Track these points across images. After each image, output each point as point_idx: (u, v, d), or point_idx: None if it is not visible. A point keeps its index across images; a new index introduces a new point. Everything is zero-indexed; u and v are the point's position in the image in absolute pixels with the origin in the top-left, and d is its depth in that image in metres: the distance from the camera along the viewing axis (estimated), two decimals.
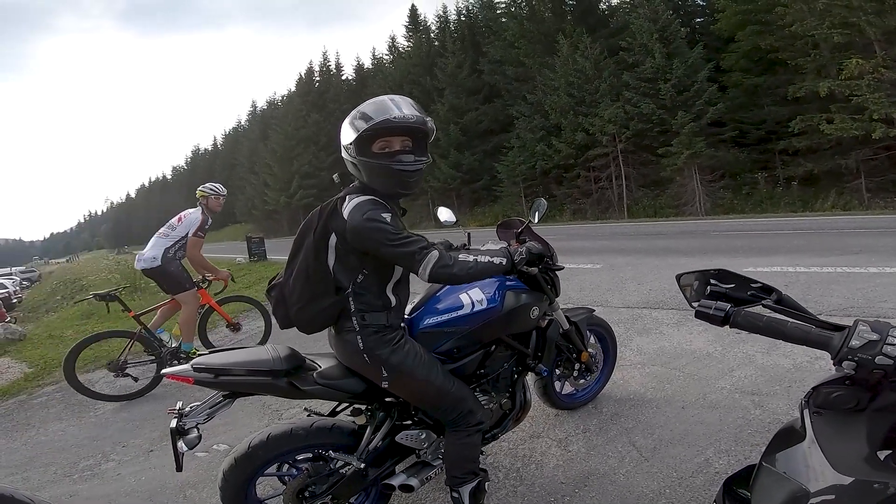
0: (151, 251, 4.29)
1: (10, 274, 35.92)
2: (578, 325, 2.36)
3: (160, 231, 4.46)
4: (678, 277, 1.08)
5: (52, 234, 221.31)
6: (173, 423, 1.51)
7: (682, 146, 16.10)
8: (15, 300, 19.89)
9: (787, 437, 0.82)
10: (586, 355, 2.39)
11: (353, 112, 1.58)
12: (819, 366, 2.74)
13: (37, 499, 1.67)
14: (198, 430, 1.54)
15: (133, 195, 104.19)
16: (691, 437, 2.30)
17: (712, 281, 0.99)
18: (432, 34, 30.34)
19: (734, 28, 17.00)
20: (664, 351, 3.35)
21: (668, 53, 16.86)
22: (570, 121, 19.18)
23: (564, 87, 19.36)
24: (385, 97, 1.59)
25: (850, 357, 0.74)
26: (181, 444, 1.50)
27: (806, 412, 0.80)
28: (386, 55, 35.08)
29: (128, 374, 4.09)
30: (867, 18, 12.84)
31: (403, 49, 32.34)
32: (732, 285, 0.97)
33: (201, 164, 67.09)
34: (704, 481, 1.99)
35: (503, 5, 26.40)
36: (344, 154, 1.62)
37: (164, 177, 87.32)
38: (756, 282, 0.96)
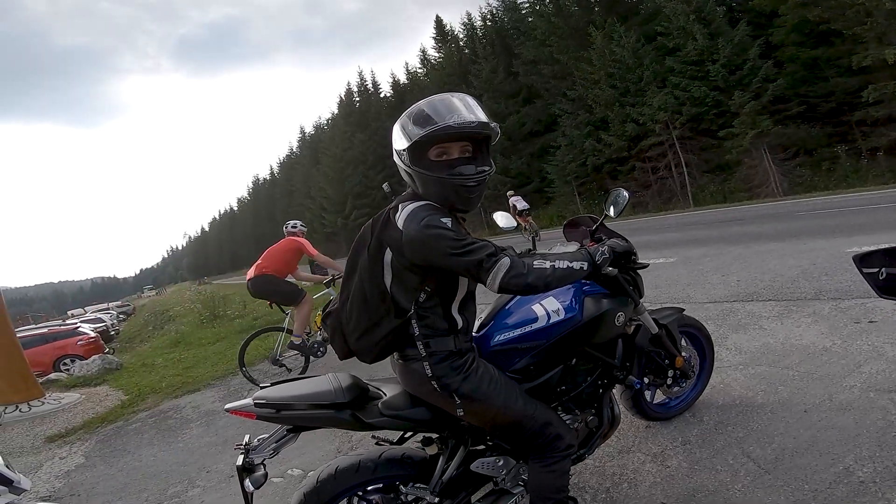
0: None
1: (108, 308, 39.65)
2: (669, 328, 2.08)
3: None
4: (857, 259, 0.90)
5: (141, 270, 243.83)
6: (239, 461, 1.41)
7: (746, 126, 15.33)
8: (113, 332, 21.82)
9: None
10: (681, 360, 2.10)
11: (407, 112, 1.39)
12: None
13: None
14: (264, 467, 1.44)
15: (207, 228, 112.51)
16: (822, 444, 1.95)
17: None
18: (461, 42, 30.55)
19: (774, 2, 15.91)
20: (769, 348, 2.94)
21: (711, 34, 16.20)
22: (617, 112, 18.75)
23: (605, 78, 19.03)
24: (445, 96, 1.39)
25: None
26: (248, 484, 1.40)
27: None
28: (419, 69, 35.63)
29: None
30: None
31: (435, 60, 32.73)
32: None
33: (262, 194, 71.18)
34: (847, 492, 1.67)
35: (527, 5, 26.17)
36: (396, 159, 1.43)
37: (231, 209, 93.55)
38: None
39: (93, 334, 13.23)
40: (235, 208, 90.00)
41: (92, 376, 7.29)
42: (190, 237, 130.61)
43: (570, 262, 1.39)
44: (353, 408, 1.47)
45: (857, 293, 3.40)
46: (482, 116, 1.35)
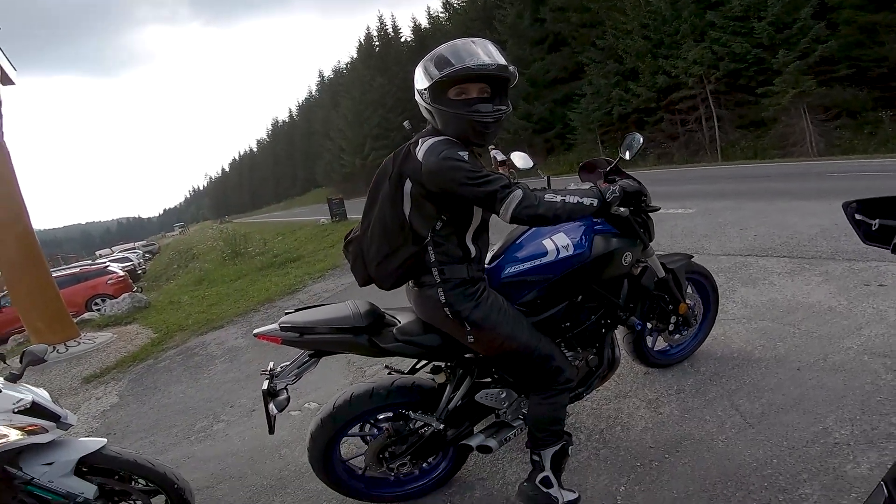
0: None
1: (134, 248, 40.91)
2: (676, 273, 2.12)
3: None
4: (846, 206, 0.94)
5: (164, 210, 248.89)
6: (265, 385, 1.56)
7: (787, 85, 14.67)
8: (140, 271, 22.55)
9: None
10: (684, 307, 2.16)
11: (429, 55, 1.43)
12: None
13: (157, 463, 1.87)
14: (287, 391, 1.59)
15: (227, 169, 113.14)
16: (808, 402, 2.02)
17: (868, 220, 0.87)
18: None
19: None
20: (775, 304, 2.97)
21: None
22: (649, 64, 18.14)
23: (638, 29, 18.26)
24: (466, 41, 1.43)
25: None
26: (272, 407, 1.55)
27: None
28: (441, 13, 34.10)
29: None
30: None
31: (458, 4, 31.25)
32: None
33: (281, 136, 70.87)
34: (821, 451, 1.74)
35: None
36: (417, 98, 1.49)
37: (251, 150, 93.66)
38: None
39: (122, 273, 13.51)
40: (255, 150, 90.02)
41: (122, 315, 7.65)
42: (211, 178, 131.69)
43: (581, 198, 1.45)
44: (370, 333, 1.59)
45: (872, 256, 3.34)
46: (500, 59, 1.39)
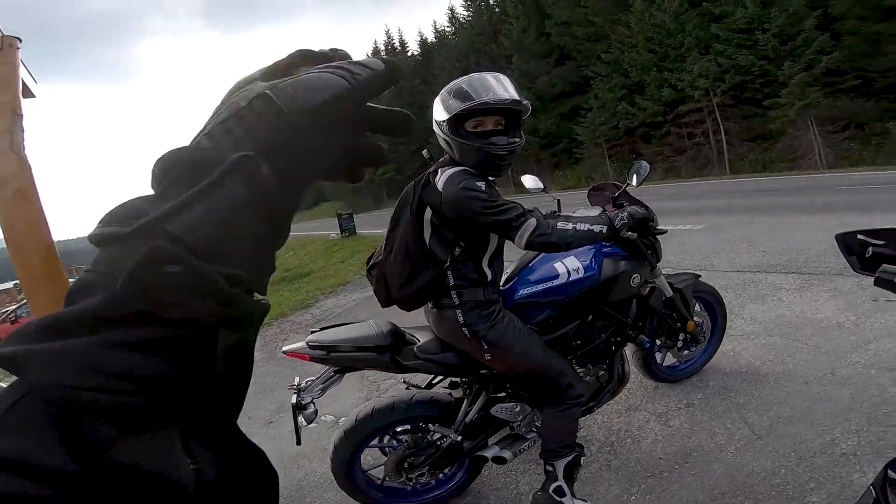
0: None
1: None
2: (683, 292, 2.19)
3: None
4: (839, 238, 0.95)
5: None
6: (294, 399, 1.64)
7: (794, 97, 14.72)
8: None
9: None
10: (692, 325, 2.22)
11: (448, 87, 1.53)
12: None
13: None
14: (314, 404, 1.67)
15: None
16: (815, 415, 2.07)
17: (872, 241, 0.88)
18: (492, 1, 29.37)
19: None
20: (784, 320, 3.02)
21: (763, 2, 15.40)
22: (654, 77, 18.29)
23: (643, 43, 18.44)
24: (483, 75, 1.53)
25: None
26: (301, 420, 1.63)
27: None
28: (448, 27, 34.66)
29: None
30: None
31: (464, 19, 31.77)
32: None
33: None
34: (827, 462, 1.79)
35: None
36: (436, 129, 1.58)
37: None
38: None
39: None
40: None
41: None
42: None
43: (591, 225, 1.55)
44: (392, 351, 1.68)
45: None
46: (515, 94, 1.49)
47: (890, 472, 0.77)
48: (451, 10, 34.06)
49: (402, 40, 39.54)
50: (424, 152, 1.75)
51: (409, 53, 38.96)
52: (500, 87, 1.49)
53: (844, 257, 0.94)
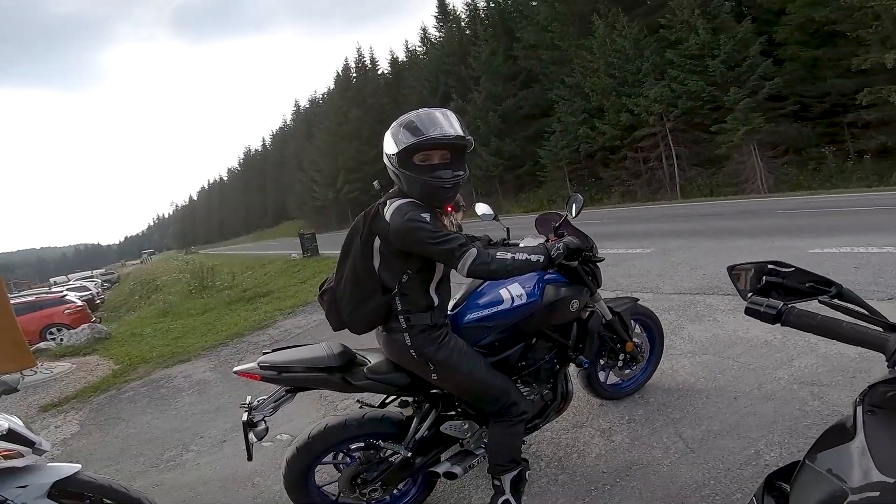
0: None
1: (92, 276, 39.23)
2: (622, 315, 2.34)
3: None
4: (730, 269, 1.03)
5: (126, 238, 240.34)
6: (244, 417, 1.68)
7: (738, 122, 15.45)
8: (98, 301, 21.70)
9: (836, 434, 0.78)
10: (631, 345, 2.38)
11: (397, 123, 1.63)
12: None
13: (131, 489, 1.91)
14: (265, 422, 1.70)
15: (195, 197, 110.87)
16: (742, 428, 2.24)
17: (769, 269, 0.95)
18: (463, 23, 30.15)
19: (783, 0, 15.84)
20: (717, 339, 3.25)
21: (714, 29, 16.21)
22: (613, 102, 18.84)
23: (604, 68, 19.03)
24: (431, 111, 1.64)
25: None
26: (252, 436, 1.66)
27: (859, 410, 0.76)
28: (419, 47, 35.20)
29: None
30: None
31: (436, 39, 32.41)
32: (788, 277, 0.92)
33: (253, 165, 70.32)
34: (752, 473, 1.94)
35: None
36: (386, 161, 1.68)
37: (221, 178, 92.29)
38: (815, 275, 0.91)
39: (80, 303, 13.15)
40: (225, 178, 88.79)
41: (81, 346, 7.40)
42: (177, 206, 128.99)
43: (529, 255, 1.67)
44: (342, 371, 1.74)
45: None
46: (459, 130, 1.60)
47: (771, 483, 0.86)
48: (424, 30, 34.51)
49: (374, 58, 39.74)
50: (375, 183, 1.85)
51: (380, 72, 39.20)
52: (447, 122, 1.60)
53: (734, 286, 1.01)
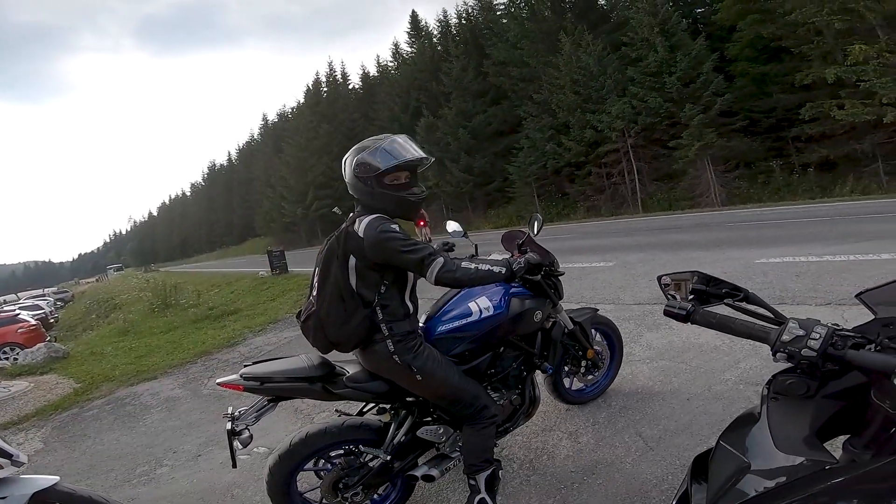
0: None
1: (44, 295, 37.28)
2: (583, 325, 2.53)
3: None
4: (659, 278, 1.20)
5: (80, 255, 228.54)
6: (228, 426, 1.75)
7: (693, 138, 16.08)
8: (52, 320, 20.72)
9: (746, 418, 0.94)
10: (592, 352, 2.56)
11: (371, 148, 1.80)
12: None
13: (111, 500, 1.93)
14: (248, 430, 1.77)
15: (155, 213, 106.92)
16: (695, 426, 2.44)
17: (696, 279, 1.12)
18: (435, 39, 30.49)
19: (735, 17, 16.84)
20: (672, 346, 3.48)
21: (671, 46, 16.87)
22: (578, 118, 19.23)
23: (570, 85, 19.42)
24: (395, 138, 1.85)
25: (781, 350, 0.86)
26: (236, 444, 1.73)
27: (765, 397, 0.91)
28: (391, 62, 35.28)
29: None
30: (865, 3, 12.73)
31: (407, 55, 32.57)
32: (710, 285, 1.09)
33: (218, 180, 68.32)
34: None
35: (503, 6, 26.46)
36: (354, 182, 1.83)
37: (183, 193, 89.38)
38: (728, 283, 1.09)
39: (33, 322, 12.69)
40: (188, 193, 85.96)
41: (37, 364, 7.18)
42: (136, 221, 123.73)
43: (491, 267, 1.84)
44: (323, 381, 1.85)
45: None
46: (421, 152, 1.85)
47: (697, 464, 0.97)
48: (396, 45, 34.52)
49: (345, 73, 39.66)
50: (336, 209, 2.01)
51: (351, 87, 39.17)
52: (411, 147, 1.83)
53: (662, 292, 1.18)
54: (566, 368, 2.63)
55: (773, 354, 0.88)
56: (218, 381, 1.90)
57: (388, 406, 2.04)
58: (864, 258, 4.89)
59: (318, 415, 3.39)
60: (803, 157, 16.00)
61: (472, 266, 1.79)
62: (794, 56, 15.21)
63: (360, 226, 1.74)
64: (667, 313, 1.06)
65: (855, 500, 0.66)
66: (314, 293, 1.85)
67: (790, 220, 9.07)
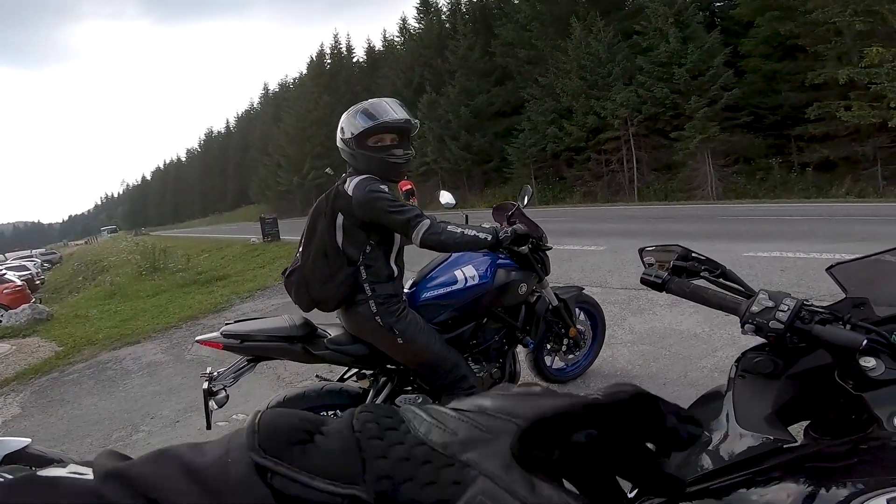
0: None
1: (31, 256, 36.92)
2: (567, 302, 2.52)
3: None
4: (640, 251, 1.19)
5: (70, 217, 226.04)
6: (205, 385, 1.74)
7: (695, 130, 16.03)
8: (38, 282, 20.55)
9: (713, 394, 0.97)
10: (574, 331, 2.56)
11: (353, 110, 1.82)
12: None
13: (66, 457, 1.92)
14: (226, 390, 1.77)
15: (148, 177, 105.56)
16: None
17: (678, 254, 1.11)
18: (443, 16, 29.89)
19: (754, 13, 16.62)
20: (654, 331, 3.52)
21: (684, 38, 16.66)
22: (582, 104, 19.11)
23: (576, 70, 19.24)
24: (381, 100, 1.84)
25: (749, 321, 0.86)
26: (212, 404, 1.73)
27: (733, 374, 0.91)
28: (397, 37, 34.68)
29: None
30: (890, 7, 12.59)
31: (415, 31, 32.00)
32: (690, 261, 1.10)
33: (214, 146, 67.64)
34: None
35: None
36: (341, 145, 1.87)
37: (178, 159, 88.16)
38: (710, 260, 1.09)
39: (19, 283, 12.56)
40: (183, 159, 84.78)
41: (21, 327, 7.15)
42: (129, 185, 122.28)
43: (477, 233, 1.84)
44: (304, 342, 1.84)
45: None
46: (406, 115, 1.83)
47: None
48: (404, 20, 33.85)
49: (350, 46, 38.90)
50: (328, 170, 1.99)
51: (355, 60, 38.52)
52: (395, 109, 1.82)
53: (642, 264, 1.17)
54: (548, 346, 2.63)
55: (742, 326, 0.88)
56: (197, 338, 1.90)
57: (368, 373, 2.04)
58: (850, 257, 4.90)
59: (301, 383, 3.41)
60: (803, 157, 16.01)
61: (458, 230, 1.79)
62: (808, 55, 15.07)
63: (350, 185, 1.76)
64: (643, 281, 1.08)
65: (803, 477, 0.67)
66: (300, 250, 1.86)
67: (783, 218, 9.10)
